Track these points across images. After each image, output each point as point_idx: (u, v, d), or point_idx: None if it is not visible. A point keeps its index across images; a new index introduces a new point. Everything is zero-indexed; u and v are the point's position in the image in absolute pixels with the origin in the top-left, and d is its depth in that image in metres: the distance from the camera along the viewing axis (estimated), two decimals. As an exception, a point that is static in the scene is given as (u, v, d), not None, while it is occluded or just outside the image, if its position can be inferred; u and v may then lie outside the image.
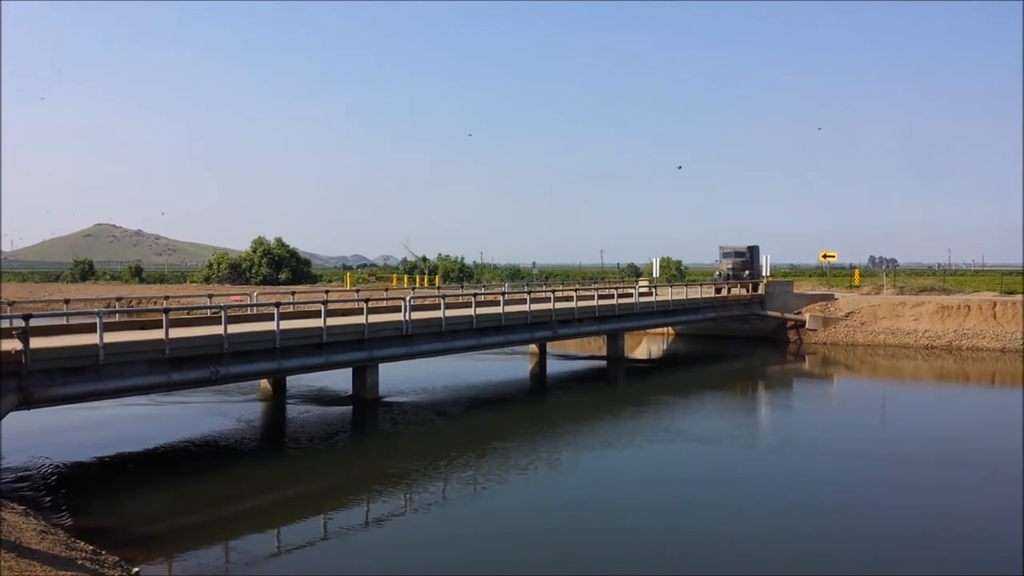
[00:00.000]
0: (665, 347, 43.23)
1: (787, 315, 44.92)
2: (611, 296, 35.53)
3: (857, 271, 64.19)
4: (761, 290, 45.93)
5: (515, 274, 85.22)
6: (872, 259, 70.53)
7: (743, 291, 45.58)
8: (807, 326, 44.00)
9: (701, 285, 44.12)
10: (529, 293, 31.72)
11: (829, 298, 46.88)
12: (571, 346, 39.42)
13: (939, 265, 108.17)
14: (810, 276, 73.62)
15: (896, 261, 65.81)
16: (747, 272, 47.91)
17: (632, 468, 18.36)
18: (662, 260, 69.68)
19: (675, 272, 74.37)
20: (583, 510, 15.21)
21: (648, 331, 44.23)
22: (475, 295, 29.20)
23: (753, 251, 49.81)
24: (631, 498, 16.01)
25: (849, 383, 33.39)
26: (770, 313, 44.87)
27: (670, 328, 44.85)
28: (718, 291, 44.74)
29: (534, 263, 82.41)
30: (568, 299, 33.38)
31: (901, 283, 57.42)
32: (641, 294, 38.06)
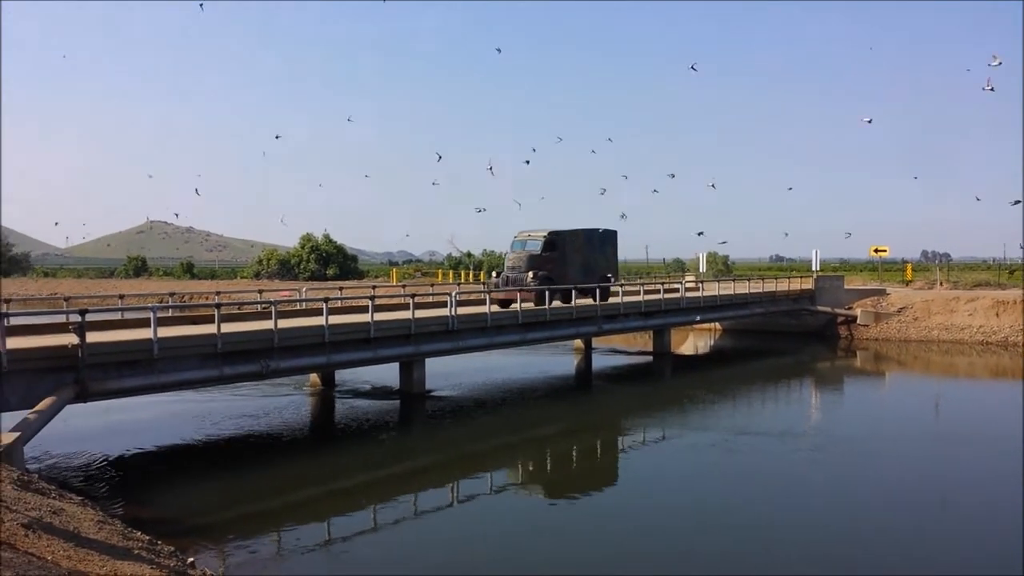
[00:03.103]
0: (712, 343, 42.83)
1: (838, 310, 44.19)
2: (657, 291, 35.28)
3: (909, 266, 62.95)
4: (811, 285, 45.23)
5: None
6: (925, 253, 69.37)
7: (560, 302, 29.22)
8: (858, 321, 43.22)
9: (749, 280, 43.61)
10: (574, 288, 31.62)
11: (881, 293, 46.02)
12: (617, 341, 39.23)
13: (993, 260, 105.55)
14: (861, 271, 72.38)
15: (949, 255, 64.66)
16: (549, 273, 29.80)
17: (678, 463, 18.22)
18: (708, 255, 68.96)
19: (722, 267, 73.51)
20: (630, 506, 15.16)
21: (695, 327, 43.79)
22: (521, 290, 29.23)
23: (568, 240, 31.30)
24: (676, 495, 15.90)
25: (902, 379, 32.78)
26: (820, 308, 44.17)
27: (717, 324, 44.38)
28: (503, 304, 27.92)
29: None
30: (613, 294, 33.21)
31: (955, 278, 56.12)
32: (687, 289, 37.74)
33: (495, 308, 26.68)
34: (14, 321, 17.48)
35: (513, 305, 27.27)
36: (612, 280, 32.73)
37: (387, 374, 25.94)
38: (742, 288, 41.21)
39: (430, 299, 30.31)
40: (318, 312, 22.40)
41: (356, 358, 22.48)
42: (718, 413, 24.31)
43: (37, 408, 14.73)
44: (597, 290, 30.11)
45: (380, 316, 22.91)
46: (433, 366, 25.18)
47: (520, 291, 27.53)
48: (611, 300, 31.95)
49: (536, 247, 30.47)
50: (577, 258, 31.43)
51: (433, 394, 24.75)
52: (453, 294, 24.81)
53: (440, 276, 70.76)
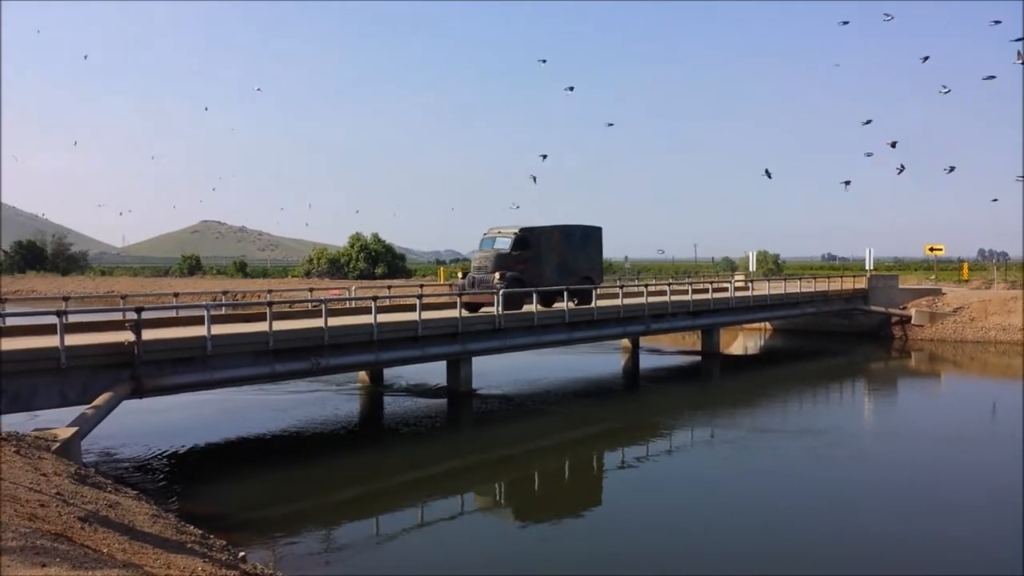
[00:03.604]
0: (762, 343, 42.27)
1: (891, 310, 43.30)
2: (706, 290, 34.92)
3: (965, 265, 61.44)
4: (864, 284, 44.39)
5: (606, 268, 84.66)
6: (982, 252, 67.51)
7: (534, 307, 25.93)
8: (913, 322, 42.29)
9: (800, 279, 42.95)
10: (621, 287, 31.46)
11: (936, 293, 44.97)
12: (664, 341, 38.92)
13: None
14: (915, 270, 70.83)
15: (1007, 255, 62.87)
16: (520, 274, 26.82)
17: (728, 465, 17.97)
18: (758, 254, 68.04)
19: (772, 266, 72.52)
20: (679, 507, 15.03)
21: (744, 326, 43.30)
22: (564, 290, 29.15)
23: (542, 238, 27.99)
24: (727, 496, 15.72)
25: (958, 381, 32.01)
26: (873, 308, 43.32)
27: (767, 323, 43.79)
28: (471, 308, 26.00)
29: (626, 257, 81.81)
30: (661, 293, 32.98)
31: (1012, 277, 54.63)
32: (737, 288, 37.29)
33: (465, 312, 26.54)
34: (72, 319, 17.93)
35: (484, 309, 25.53)
36: (595, 282, 29.67)
37: (435, 372, 26.08)
38: (793, 287, 40.60)
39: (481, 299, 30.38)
40: (367, 311, 22.61)
41: (404, 356, 22.65)
42: (769, 414, 23.99)
43: (94, 403, 15.10)
44: (569, 292, 27.22)
45: (427, 315, 23.05)
46: (480, 365, 25.24)
47: (478, 294, 25.33)
48: (659, 299, 31.73)
49: (505, 245, 27.43)
50: (553, 257, 28.22)
51: (480, 392, 24.82)
52: (500, 293, 24.84)
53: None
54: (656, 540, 13.06)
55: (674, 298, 32.05)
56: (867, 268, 50.02)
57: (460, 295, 24.60)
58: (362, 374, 26.64)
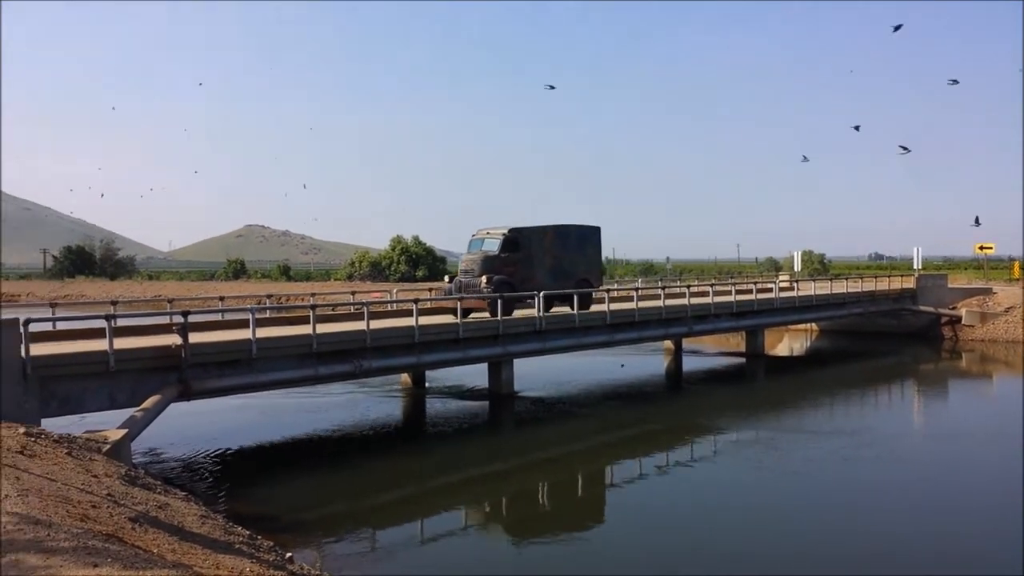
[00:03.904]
0: (808, 344, 41.69)
1: (941, 310, 42.43)
2: (749, 291, 34.55)
3: (1017, 263, 59.91)
4: (912, 284, 43.56)
5: (648, 269, 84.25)
6: (1035, 250, 65.63)
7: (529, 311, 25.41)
8: (963, 322, 41.40)
9: (847, 279, 42.29)
10: (663, 288, 31.22)
11: (987, 292, 43.95)
12: (708, 342, 38.57)
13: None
14: (965, 269, 69.31)
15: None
16: (509, 277, 25.27)
17: (774, 467, 17.72)
18: (803, 253, 67.15)
19: (818, 266, 71.50)
20: (723, 509, 14.85)
21: (789, 327, 42.74)
22: (607, 291, 29.00)
23: (533, 238, 26.29)
24: (773, 497, 15.51)
25: (1010, 382, 31.24)
26: (922, 308, 42.49)
27: (813, 324, 43.17)
28: (464, 313, 23.58)
29: (667, 258, 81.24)
30: (704, 294, 32.67)
31: (1068, 275, 53.16)
32: (782, 289, 36.83)
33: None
34: (120, 322, 18.25)
35: (475, 314, 24.01)
36: (594, 285, 28.06)
37: (476, 375, 26.11)
38: (839, 287, 39.97)
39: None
40: (409, 313, 22.71)
41: (445, 358, 22.70)
42: (816, 416, 23.63)
43: (143, 406, 15.34)
44: (575, 297, 26.13)
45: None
46: (521, 367, 25.21)
47: (460, 299, 23.62)
48: (702, 300, 31.44)
49: (493, 247, 25.82)
50: (546, 259, 26.53)
51: (521, 395, 24.79)
52: (540, 295, 24.81)
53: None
54: (673, 541, 12.91)
55: (717, 299, 31.73)
56: (915, 267, 49.08)
57: (437, 301, 23.27)
58: (404, 376, 26.77)
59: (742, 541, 13.00)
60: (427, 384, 27.02)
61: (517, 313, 24.87)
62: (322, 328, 19.96)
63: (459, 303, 23.45)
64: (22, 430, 11.63)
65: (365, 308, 20.79)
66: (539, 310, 24.37)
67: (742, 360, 34.43)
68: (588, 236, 28.49)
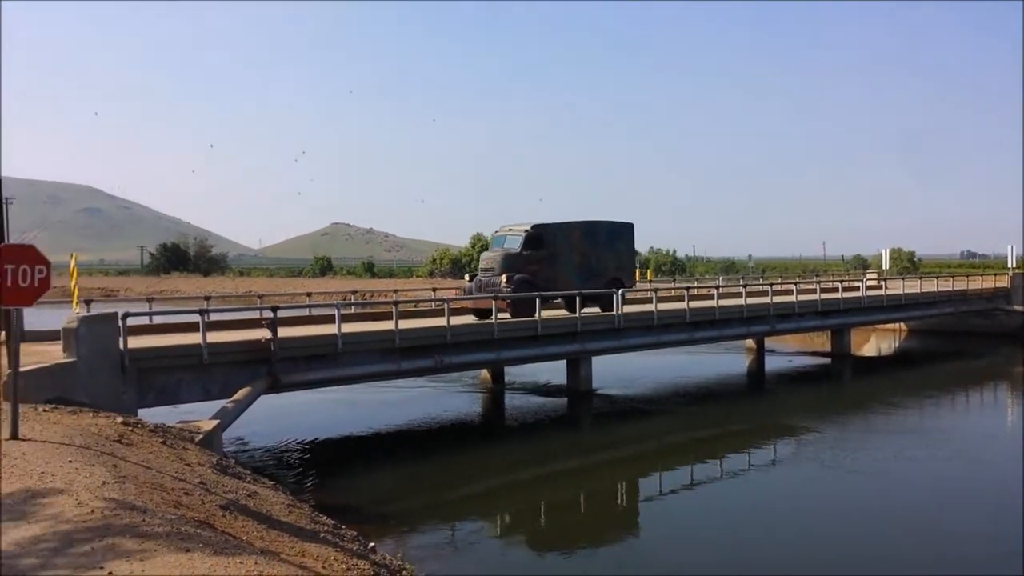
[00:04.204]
0: (896, 344, 40.45)
1: (1037, 310, 40.62)
2: (835, 289, 33.70)
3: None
4: (1006, 282, 41.81)
5: (729, 267, 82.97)
6: None
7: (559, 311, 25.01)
8: (1063, 322, 39.56)
9: (937, 278, 40.89)
10: (745, 286, 30.76)
11: (1088, 292, 41.86)
12: (791, 341, 37.78)
13: None
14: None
15: None
16: (532, 276, 23.99)
17: (862, 470, 17.30)
18: (892, 251, 65.11)
19: (907, 264, 69.24)
20: (812, 512, 14.62)
21: (877, 327, 41.53)
22: (687, 288, 28.73)
23: (558, 235, 24.91)
24: (864, 500, 15.18)
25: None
26: (1016, 308, 40.72)
27: (902, 324, 41.86)
28: (479, 314, 23.12)
29: (750, 256, 79.68)
30: (787, 292, 32.05)
31: None
32: (869, 287, 35.82)
33: (661, 306, 26.23)
34: (213, 317, 18.95)
35: (502, 315, 22.22)
36: (625, 284, 25.98)
37: (555, 372, 26.20)
38: (929, 286, 38.66)
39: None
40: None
41: (523, 355, 22.87)
42: (905, 418, 22.92)
43: (234, 397, 15.91)
44: (604, 296, 24.74)
45: (547, 313, 23.17)
46: (600, 364, 25.19)
47: (476, 299, 22.74)
48: (785, 298, 30.86)
49: (515, 244, 24.43)
50: (573, 257, 25.07)
51: (599, 392, 24.77)
52: (618, 292, 24.73)
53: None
54: (747, 543, 12.76)
55: (802, 297, 31.09)
56: (1009, 266, 47.11)
57: (462, 300, 22.08)
58: (484, 372, 27.05)
59: (826, 549, 12.79)
60: (506, 380, 27.25)
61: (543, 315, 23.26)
62: (404, 324, 20.35)
63: (476, 303, 22.89)
64: (120, 419, 12.20)
65: (446, 304, 21.09)
66: (617, 307, 24.29)
67: (827, 360, 33.63)
68: (620, 232, 26.83)
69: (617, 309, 24.36)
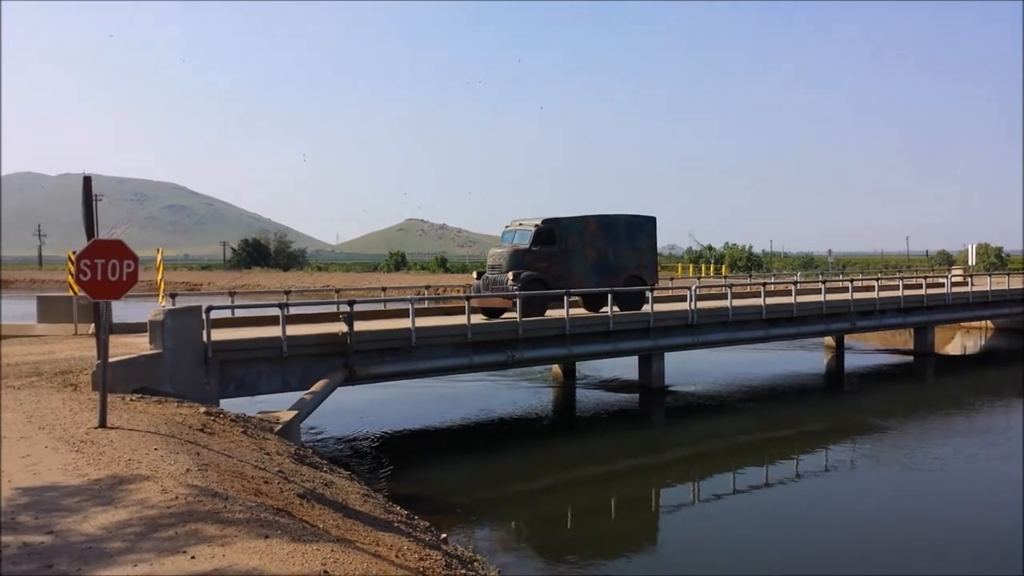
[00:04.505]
0: (983, 343, 38.99)
1: None
2: (918, 286, 32.67)
3: None
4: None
5: (808, 263, 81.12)
6: None
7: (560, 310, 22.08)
8: None
9: (1009, 275, 39.27)
10: (824, 282, 30.08)
11: None
12: (872, 339, 36.76)
13: None
14: None
15: None
16: (542, 273, 22.74)
17: (948, 475, 16.78)
18: (979, 247, 62.81)
19: (994, 260, 66.70)
20: (896, 517, 14.25)
21: (962, 324, 40.09)
22: (764, 284, 28.23)
23: (571, 229, 23.57)
24: (949, 505, 14.73)
25: None
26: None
27: (988, 322, 40.33)
28: (489, 313, 22.74)
29: (830, 251, 77.72)
30: (869, 289, 31.20)
31: None
32: (954, 284, 34.64)
33: (737, 302, 25.82)
34: (292, 311, 19.43)
35: (508, 314, 21.59)
36: (647, 282, 24.75)
37: (626, 368, 26.05)
38: (1017, 283, 37.13)
39: (669, 293, 30.07)
40: (559, 305, 22.85)
41: (595, 350, 22.79)
42: (989, 419, 22.14)
43: (312, 389, 16.31)
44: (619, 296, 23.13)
45: (618, 309, 23.04)
46: (672, 360, 24.95)
47: (481, 298, 21.59)
48: (867, 295, 30.06)
49: (525, 240, 23.12)
50: (588, 254, 23.70)
51: (672, 389, 24.54)
52: (692, 288, 24.44)
53: (680, 270, 69.62)
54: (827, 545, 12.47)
55: (883, 294, 30.24)
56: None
57: (468, 299, 20.72)
58: (556, 368, 27.05)
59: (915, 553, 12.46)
60: (577, 376, 27.21)
61: (551, 313, 22.45)
62: (476, 319, 20.50)
63: (483, 302, 21.96)
64: (203, 409, 12.60)
65: (517, 300, 21.15)
66: (691, 302, 23.97)
67: (909, 358, 32.64)
68: (640, 227, 25.23)
69: (646, 308, 23.70)
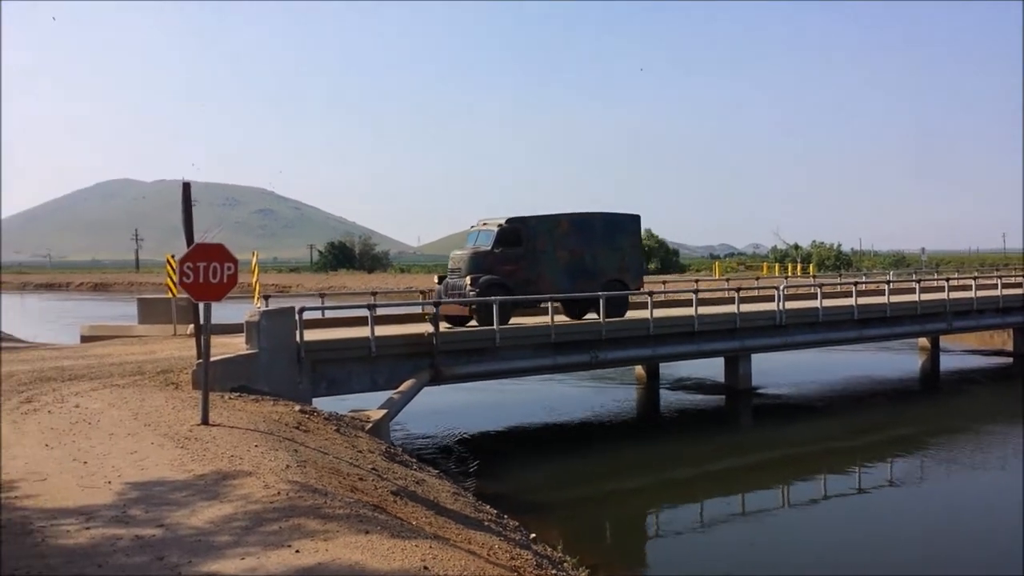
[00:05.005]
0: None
1: None
2: (1018, 285, 31.32)
3: None
4: None
5: (899, 261, 78.63)
6: None
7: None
8: None
9: None
10: (918, 282, 29.13)
11: None
12: (969, 340, 35.38)
13: None
14: None
15: None
16: (505, 277, 20.47)
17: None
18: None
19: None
20: (988, 520, 13.75)
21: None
22: (855, 284, 27.50)
23: (539, 230, 21.46)
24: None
25: None
26: None
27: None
28: (453, 320, 20.33)
29: (923, 249, 75.12)
30: (965, 288, 30.07)
31: None
32: (1059, 282, 33.05)
33: (826, 302, 25.18)
34: (379, 312, 19.80)
35: (473, 323, 20.19)
36: (629, 286, 22.79)
37: (711, 369, 25.71)
38: None
39: (755, 293, 29.52)
40: (643, 306, 22.76)
41: (680, 351, 22.55)
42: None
43: (400, 389, 16.61)
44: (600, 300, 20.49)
45: (704, 310, 22.77)
46: (759, 362, 24.50)
47: (437, 304, 19.06)
48: (963, 294, 28.98)
49: (487, 241, 21.08)
50: (560, 256, 21.63)
51: (759, 391, 24.10)
52: (780, 288, 23.97)
53: (765, 269, 68.24)
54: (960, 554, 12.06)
55: (981, 293, 29.11)
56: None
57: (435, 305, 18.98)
58: (639, 369, 26.85)
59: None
60: (661, 378, 26.96)
61: (515, 321, 20.63)
62: (559, 319, 20.51)
63: (445, 309, 19.57)
64: (297, 408, 12.97)
65: (601, 301, 21.03)
66: (779, 303, 23.53)
67: (1008, 360, 31.32)
68: (621, 226, 23.11)
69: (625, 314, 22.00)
